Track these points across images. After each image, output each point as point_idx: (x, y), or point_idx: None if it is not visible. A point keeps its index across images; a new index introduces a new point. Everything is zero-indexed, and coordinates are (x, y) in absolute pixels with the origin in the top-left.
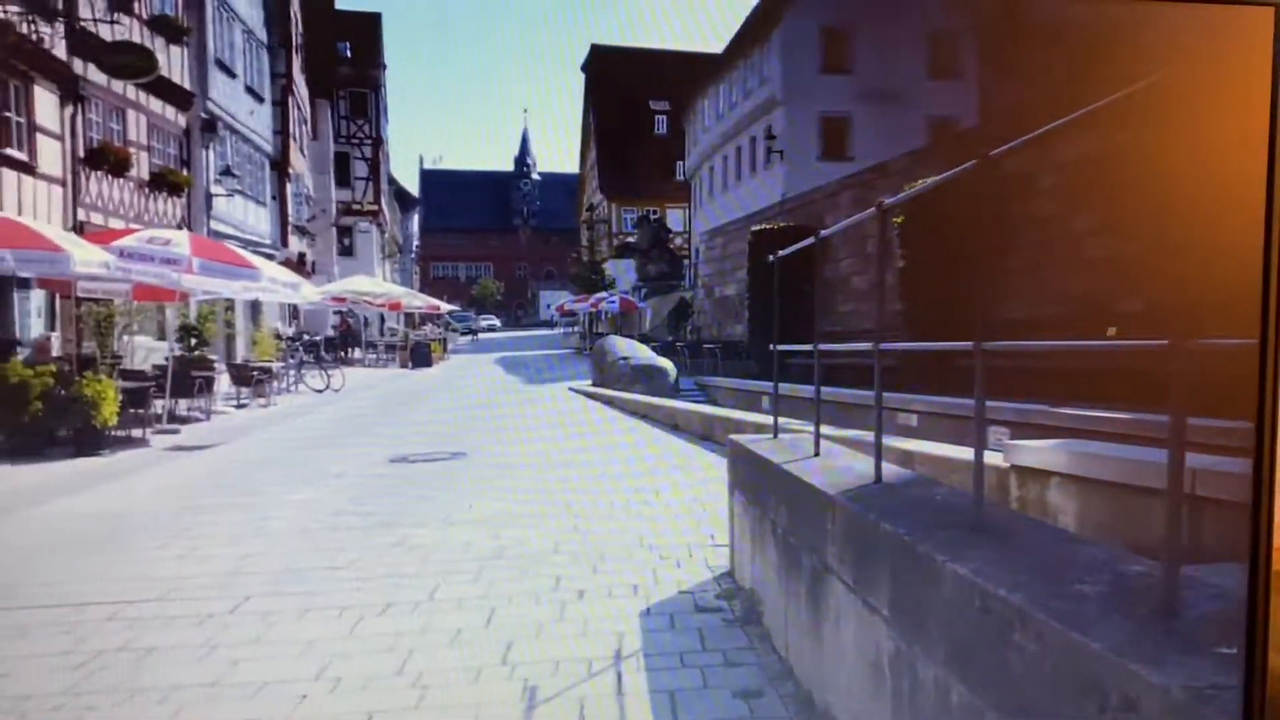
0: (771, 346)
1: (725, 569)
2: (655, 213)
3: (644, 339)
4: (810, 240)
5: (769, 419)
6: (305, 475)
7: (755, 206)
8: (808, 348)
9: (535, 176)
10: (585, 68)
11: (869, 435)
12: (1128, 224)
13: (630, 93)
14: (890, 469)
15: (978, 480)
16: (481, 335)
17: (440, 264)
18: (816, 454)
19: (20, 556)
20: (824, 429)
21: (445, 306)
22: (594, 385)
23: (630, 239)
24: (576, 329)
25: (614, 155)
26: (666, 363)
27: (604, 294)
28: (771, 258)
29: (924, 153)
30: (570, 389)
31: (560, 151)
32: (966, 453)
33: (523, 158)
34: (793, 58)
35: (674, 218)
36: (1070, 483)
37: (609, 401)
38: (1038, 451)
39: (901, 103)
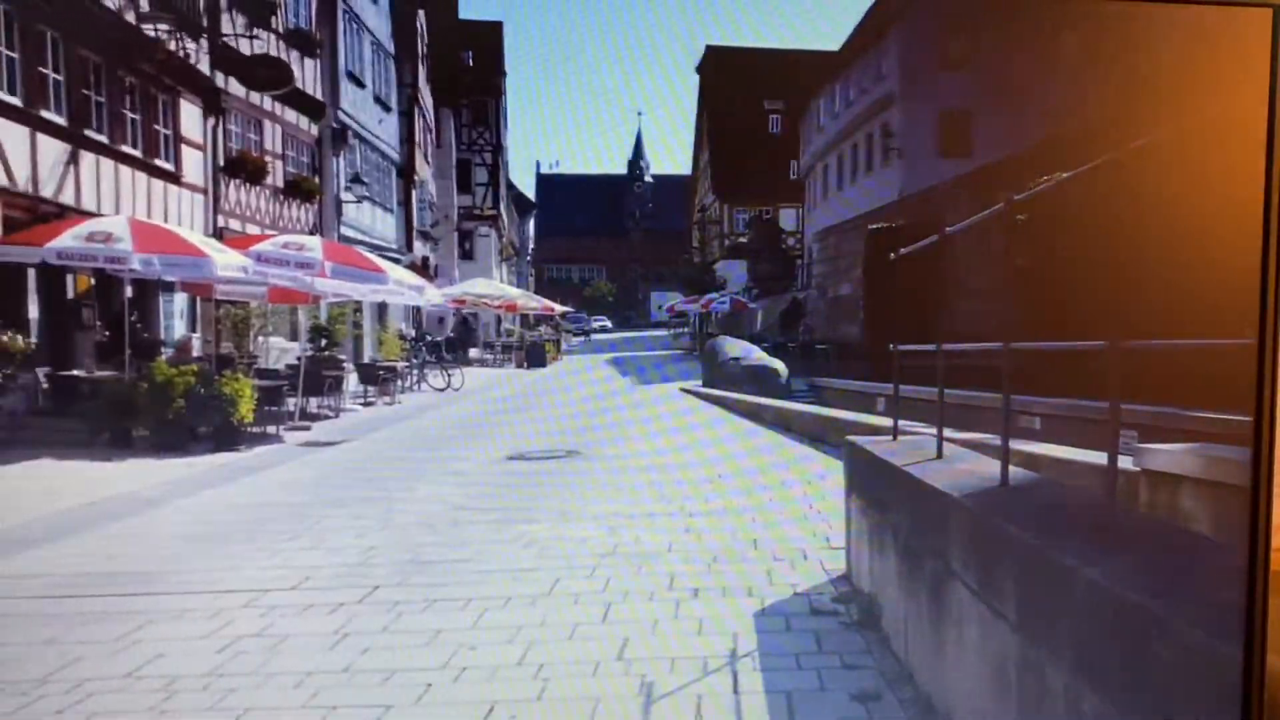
0: (892, 347)
1: (841, 572)
2: (768, 213)
3: (755, 340)
4: (933, 238)
5: (884, 420)
6: (428, 471)
7: (871, 205)
8: (930, 348)
9: (648, 179)
10: (699, 69)
11: (990, 437)
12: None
13: (744, 93)
14: (1016, 472)
15: (1110, 484)
16: (594, 336)
17: (554, 266)
18: (939, 456)
19: (169, 544)
20: (945, 431)
21: (559, 308)
22: (705, 386)
23: (742, 239)
24: (687, 330)
25: (727, 155)
26: (778, 363)
27: (715, 295)
28: (893, 255)
29: (1046, 149)
30: (681, 389)
31: (673, 153)
32: (1094, 456)
33: (636, 160)
34: (911, 54)
35: (787, 217)
36: (1204, 487)
37: (720, 402)
38: (1170, 455)
39: (1023, 98)
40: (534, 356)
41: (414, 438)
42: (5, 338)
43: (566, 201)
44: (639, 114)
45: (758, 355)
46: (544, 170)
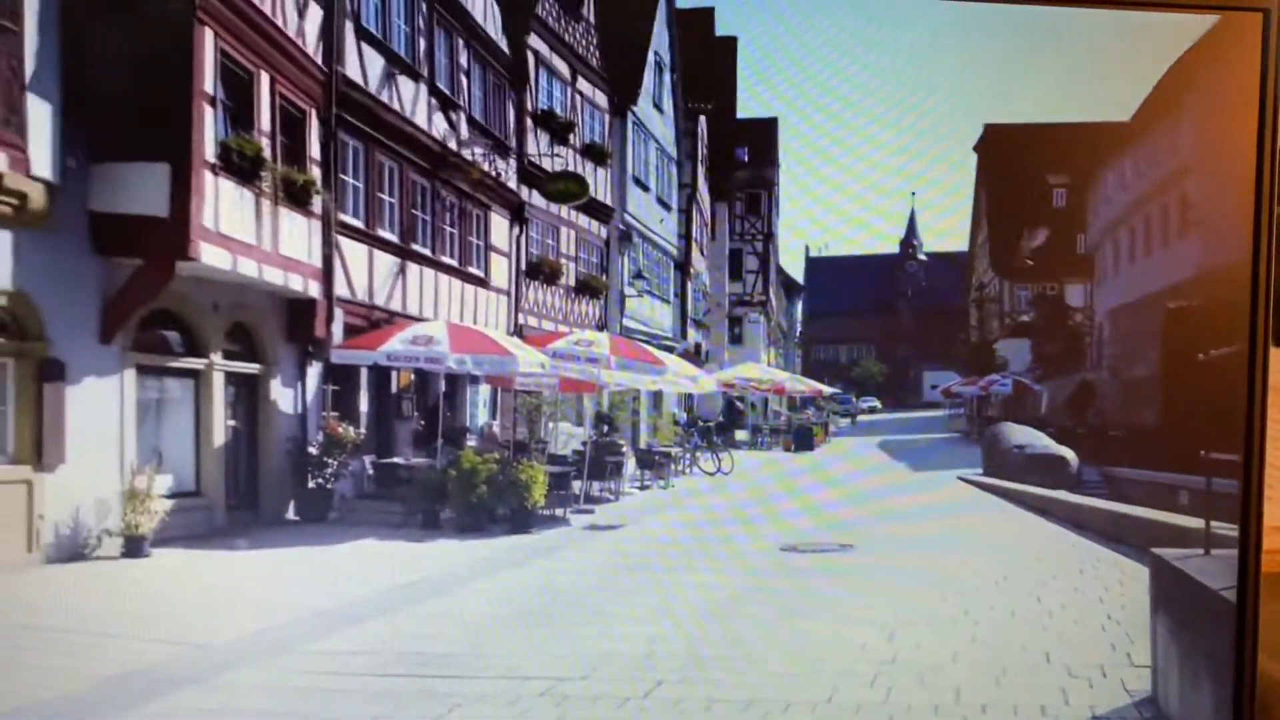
0: (1202, 454)
1: (1146, 694)
2: (1053, 289)
3: (1040, 424)
4: (1239, 346)
5: (1191, 521)
6: (703, 557)
7: (1167, 282)
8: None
9: (921, 257)
10: (977, 148)
11: None
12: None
13: (1025, 168)
14: None
15: None
16: (862, 417)
17: (822, 347)
18: None
19: (473, 625)
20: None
21: (826, 389)
22: (984, 474)
23: (1024, 318)
24: (963, 412)
25: (1007, 232)
26: (1067, 451)
27: (994, 376)
28: (1202, 356)
29: None
30: (959, 478)
31: (947, 230)
32: None
33: (908, 239)
34: (1208, 121)
35: (1074, 294)
36: None
37: (1002, 493)
38: None
39: None
40: (801, 439)
41: (689, 523)
42: (340, 429)
43: (835, 282)
44: (912, 194)
45: (1044, 442)
46: (813, 254)
